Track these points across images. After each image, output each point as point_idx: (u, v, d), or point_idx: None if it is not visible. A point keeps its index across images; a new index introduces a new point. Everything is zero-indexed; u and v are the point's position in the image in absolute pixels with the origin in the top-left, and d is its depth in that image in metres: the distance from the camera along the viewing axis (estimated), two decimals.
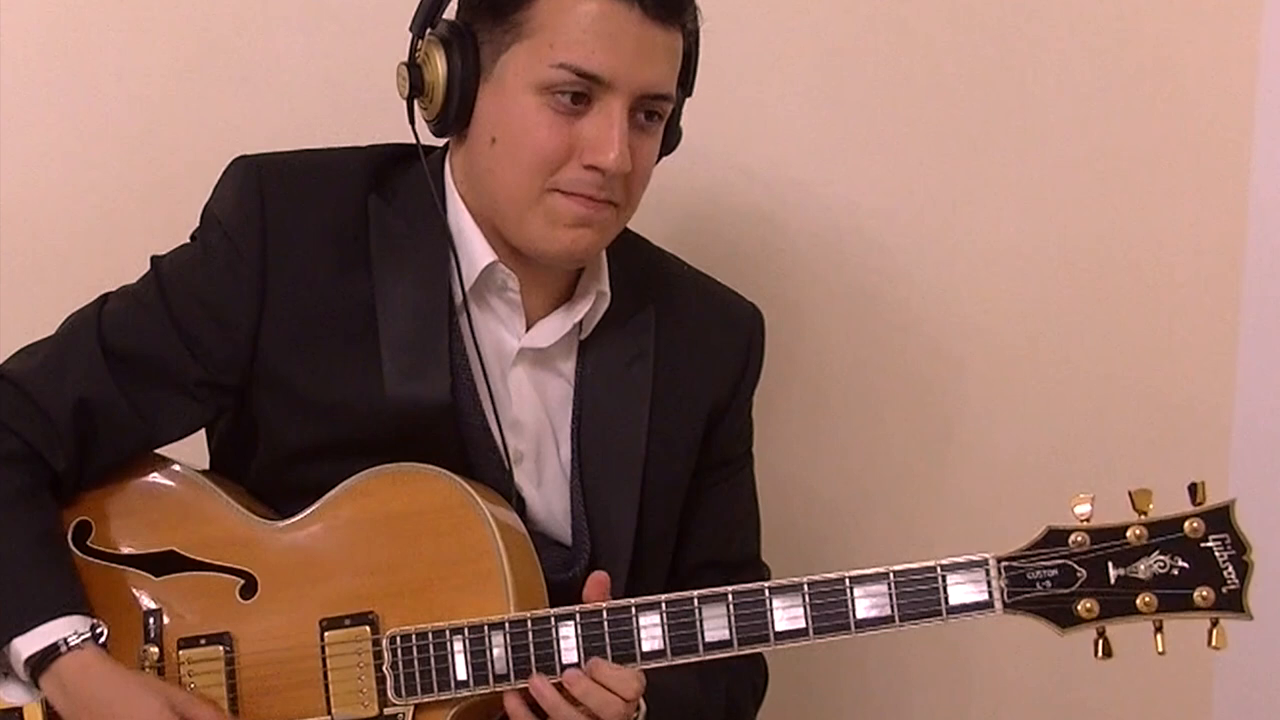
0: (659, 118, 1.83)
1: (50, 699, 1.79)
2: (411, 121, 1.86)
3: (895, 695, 2.46)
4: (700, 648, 1.75)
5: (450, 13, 1.86)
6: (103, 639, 1.80)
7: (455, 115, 1.82)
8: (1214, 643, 1.69)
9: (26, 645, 1.77)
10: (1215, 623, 1.69)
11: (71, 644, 1.77)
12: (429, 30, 1.84)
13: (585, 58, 1.76)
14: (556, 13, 1.77)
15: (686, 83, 1.87)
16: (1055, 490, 2.31)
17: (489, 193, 1.84)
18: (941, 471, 2.42)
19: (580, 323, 1.91)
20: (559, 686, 1.75)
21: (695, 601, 1.75)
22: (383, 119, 1.91)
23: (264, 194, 1.84)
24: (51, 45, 2.26)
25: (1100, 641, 1.70)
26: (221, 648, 1.82)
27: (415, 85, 1.84)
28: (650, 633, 1.75)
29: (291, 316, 1.84)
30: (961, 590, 1.71)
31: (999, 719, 2.47)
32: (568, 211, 1.80)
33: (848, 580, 1.72)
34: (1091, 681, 2.30)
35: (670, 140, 1.89)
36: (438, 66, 1.81)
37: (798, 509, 2.39)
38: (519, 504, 1.88)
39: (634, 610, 1.76)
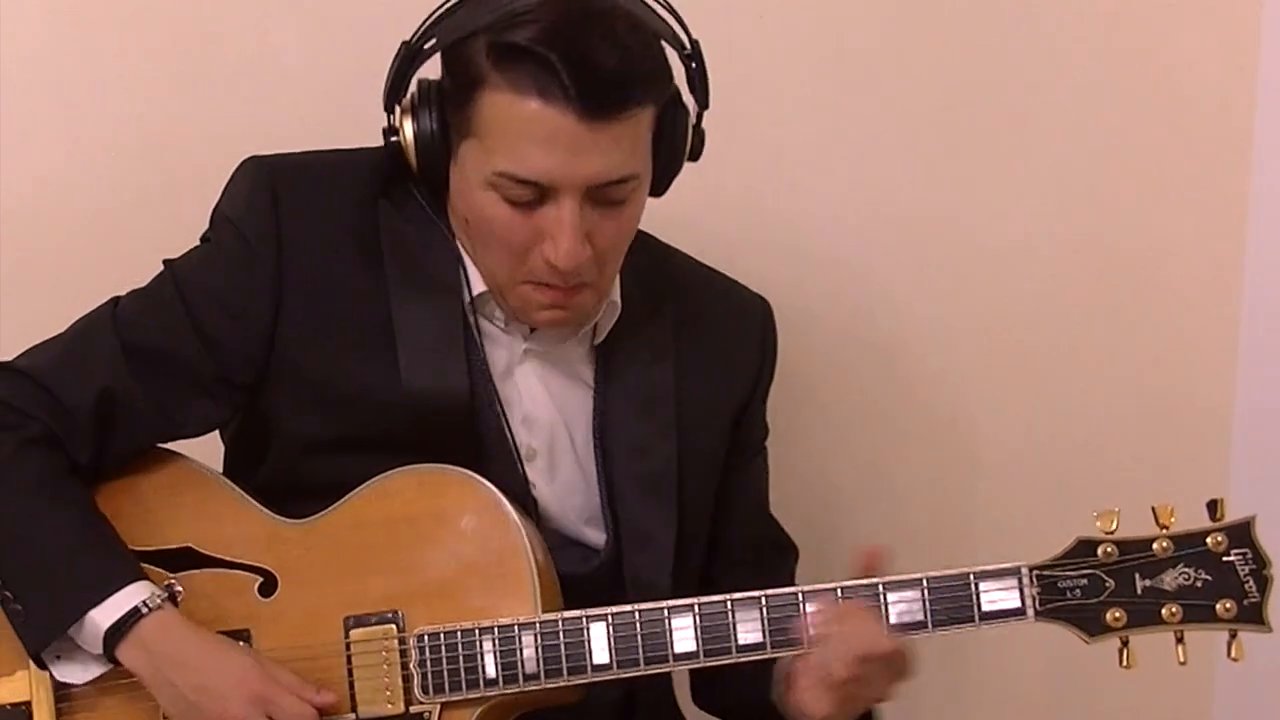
0: (624, 194, 1.80)
1: (132, 667, 1.76)
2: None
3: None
4: (734, 650, 1.76)
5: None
6: (180, 599, 1.80)
7: (434, 184, 1.84)
8: (1233, 654, 1.73)
9: (105, 615, 1.75)
10: (1234, 634, 1.73)
11: (152, 605, 1.76)
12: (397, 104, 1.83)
13: (521, 165, 1.74)
14: (494, 118, 1.74)
15: (700, 97, 1.85)
16: (1056, 488, 2.36)
17: (475, 261, 1.85)
18: (941, 473, 2.43)
19: (594, 328, 1.91)
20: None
21: (729, 604, 1.76)
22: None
23: (276, 192, 1.84)
24: (54, 46, 2.22)
25: (1124, 651, 1.74)
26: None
27: (393, 154, 1.84)
28: (683, 634, 1.77)
29: (307, 312, 1.84)
30: (994, 597, 1.74)
31: None
32: (538, 302, 1.82)
33: (881, 586, 1.75)
34: (1093, 683, 2.33)
35: (689, 149, 1.85)
36: (408, 137, 1.81)
37: (802, 512, 2.39)
38: (530, 500, 1.88)
39: (666, 613, 1.77)
